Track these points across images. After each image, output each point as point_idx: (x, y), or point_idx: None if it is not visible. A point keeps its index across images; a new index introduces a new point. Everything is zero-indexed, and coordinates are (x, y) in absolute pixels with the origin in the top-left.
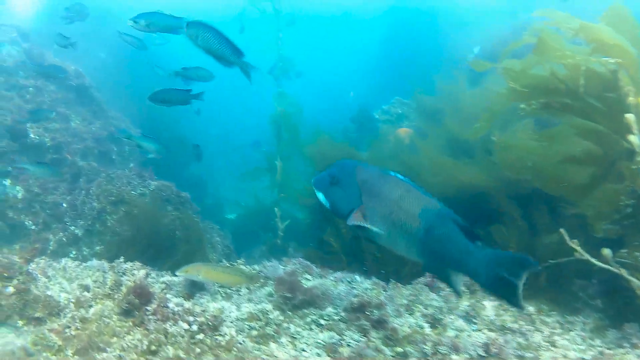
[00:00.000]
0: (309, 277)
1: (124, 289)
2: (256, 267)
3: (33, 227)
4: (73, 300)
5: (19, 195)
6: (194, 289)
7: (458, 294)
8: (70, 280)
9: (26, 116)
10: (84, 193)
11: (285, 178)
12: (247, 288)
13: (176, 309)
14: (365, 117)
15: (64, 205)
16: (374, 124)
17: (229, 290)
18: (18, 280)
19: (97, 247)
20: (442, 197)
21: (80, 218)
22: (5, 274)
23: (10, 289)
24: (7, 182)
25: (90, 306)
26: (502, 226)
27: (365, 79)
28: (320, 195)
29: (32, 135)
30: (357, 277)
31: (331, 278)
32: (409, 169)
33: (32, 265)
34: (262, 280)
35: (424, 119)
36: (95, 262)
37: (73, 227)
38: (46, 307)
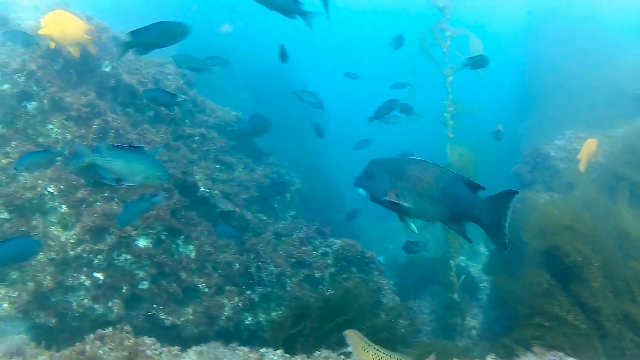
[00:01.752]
0: None
1: None
2: None
3: (206, 289)
4: None
5: (192, 255)
6: None
7: (469, 240)
8: None
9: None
10: (254, 256)
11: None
12: None
13: None
14: (541, 157)
15: (237, 265)
16: (548, 162)
17: None
18: None
19: (274, 313)
20: None
21: (259, 285)
22: None
23: None
24: (180, 241)
25: None
26: None
27: (510, 103)
28: (361, 191)
29: (202, 189)
30: None
31: None
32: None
33: None
34: None
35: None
36: None
37: (249, 292)
38: None
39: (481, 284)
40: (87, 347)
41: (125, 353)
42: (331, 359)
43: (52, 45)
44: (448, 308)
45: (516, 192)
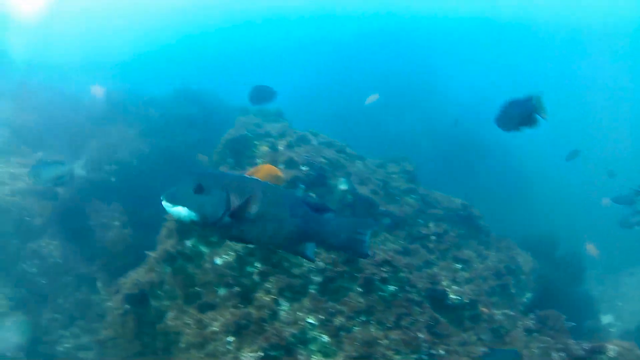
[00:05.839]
0: None
1: None
2: None
3: None
4: None
5: None
6: None
7: (312, 259)
8: None
9: None
10: None
11: None
12: None
13: None
14: None
15: None
16: None
17: None
18: None
19: None
20: None
21: None
22: None
23: None
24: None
25: None
26: None
27: None
28: (180, 208)
29: (451, 296)
30: None
31: None
32: None
33: None
34: None
35: None
36: None
37: None
38: None
39: None
40: None
41: None
42: None
43: None
44: None
45: (375, 225)
